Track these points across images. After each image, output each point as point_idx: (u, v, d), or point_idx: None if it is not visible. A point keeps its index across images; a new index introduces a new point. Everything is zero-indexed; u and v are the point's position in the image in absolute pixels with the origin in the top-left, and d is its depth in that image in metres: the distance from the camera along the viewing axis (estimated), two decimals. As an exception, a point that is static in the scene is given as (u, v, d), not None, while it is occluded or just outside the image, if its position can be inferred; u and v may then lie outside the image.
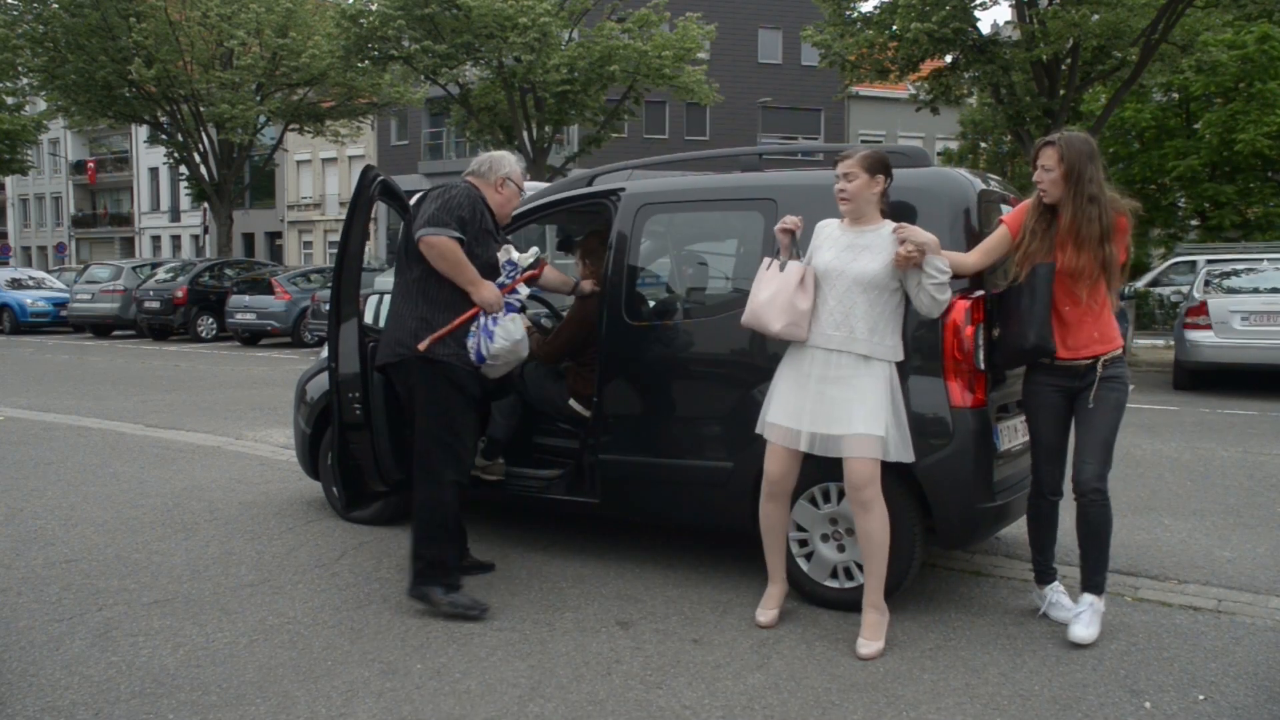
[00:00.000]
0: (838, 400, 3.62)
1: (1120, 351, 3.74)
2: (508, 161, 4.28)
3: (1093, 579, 3.78)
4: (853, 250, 3.70)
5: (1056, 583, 4.01)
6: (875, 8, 18.46)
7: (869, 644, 3.59)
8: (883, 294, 3.68)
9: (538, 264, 4.23)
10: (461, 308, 3.98)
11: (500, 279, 4.08)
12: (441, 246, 3.92)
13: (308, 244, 45.52)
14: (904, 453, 3.67)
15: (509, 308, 4.07)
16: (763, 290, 3.77)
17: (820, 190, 4.21)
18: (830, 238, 3.80)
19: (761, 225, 4.28)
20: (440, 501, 3.99)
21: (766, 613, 3.88)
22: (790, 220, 3.80)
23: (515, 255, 4.11)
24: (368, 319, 4.86)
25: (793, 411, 3.69)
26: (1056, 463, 3.88)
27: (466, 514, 4.18)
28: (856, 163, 3.70)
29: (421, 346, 3.92)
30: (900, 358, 3.73)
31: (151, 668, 3.41)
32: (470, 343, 3.98)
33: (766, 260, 3.85)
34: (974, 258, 3.78)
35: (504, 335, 3.98)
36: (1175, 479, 6.73)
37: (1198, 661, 3.55)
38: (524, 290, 4.21)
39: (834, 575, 4.03)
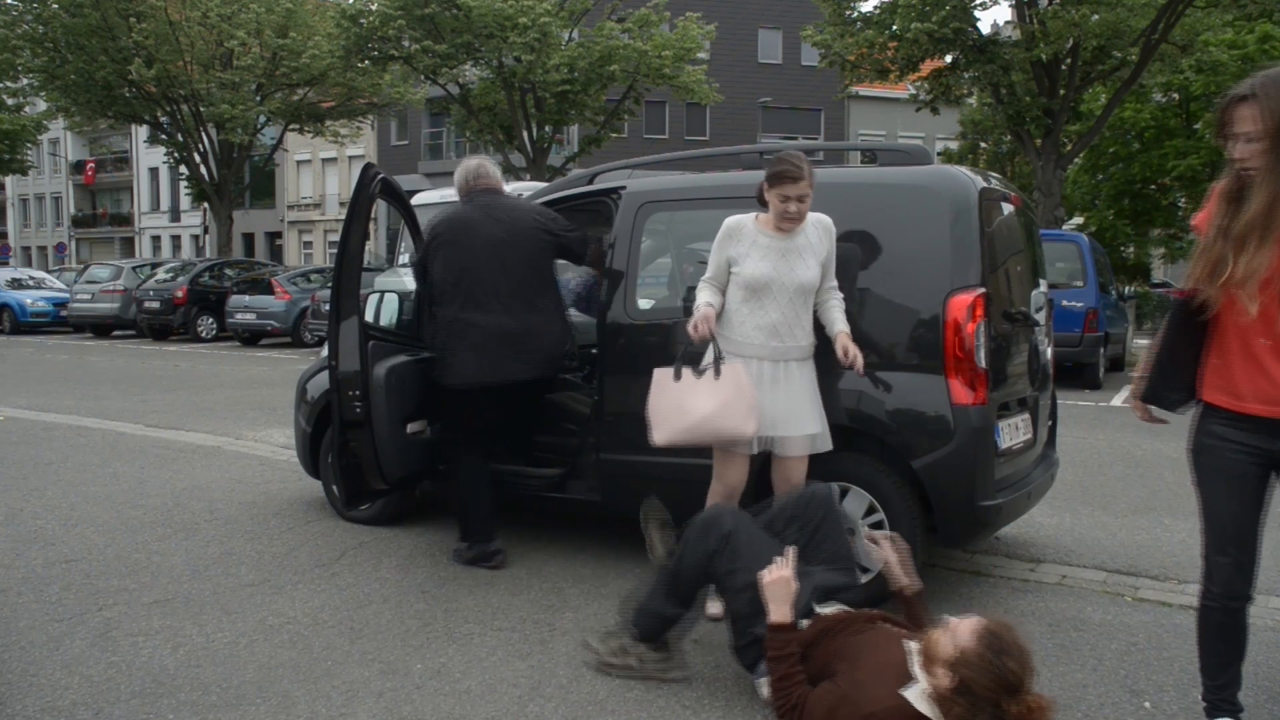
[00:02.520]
0: (784, 404, 3.65)
1: None
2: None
3: None
4: (788, 258, 3.65)
5: None
6: (875, 8, 18.46)
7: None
8: (814, 295, 3.73)
9: None
10: None
11: None
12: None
13: (308, 244, 45.53)
14: (829, 442, 3.74)
15: None
16: (704, 401, 3.53)
17: (821, 189, 4.20)
18: (760, 245, 3.66)
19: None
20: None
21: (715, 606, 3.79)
22: (706, 322, 3.59)
23: None
24: (368, 317, 4.86)
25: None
26: (1240, 550, 2.72)
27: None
28: (812, 180, 3.58)
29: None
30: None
31: (151, 668, 3.41)
32: None
33: (673, 370, 3.64)
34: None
35: None
36: (1175, 479, 6.72)
37: (1198, 661, 3.54)
38: None
39: (834, 575, 4.02)
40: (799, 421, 3.67)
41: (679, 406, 3.60)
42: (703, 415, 3.54)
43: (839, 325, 3.71)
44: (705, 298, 3.70)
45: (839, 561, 3.35)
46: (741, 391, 3.54)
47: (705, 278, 3.78)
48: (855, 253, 4.01)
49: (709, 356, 3.65)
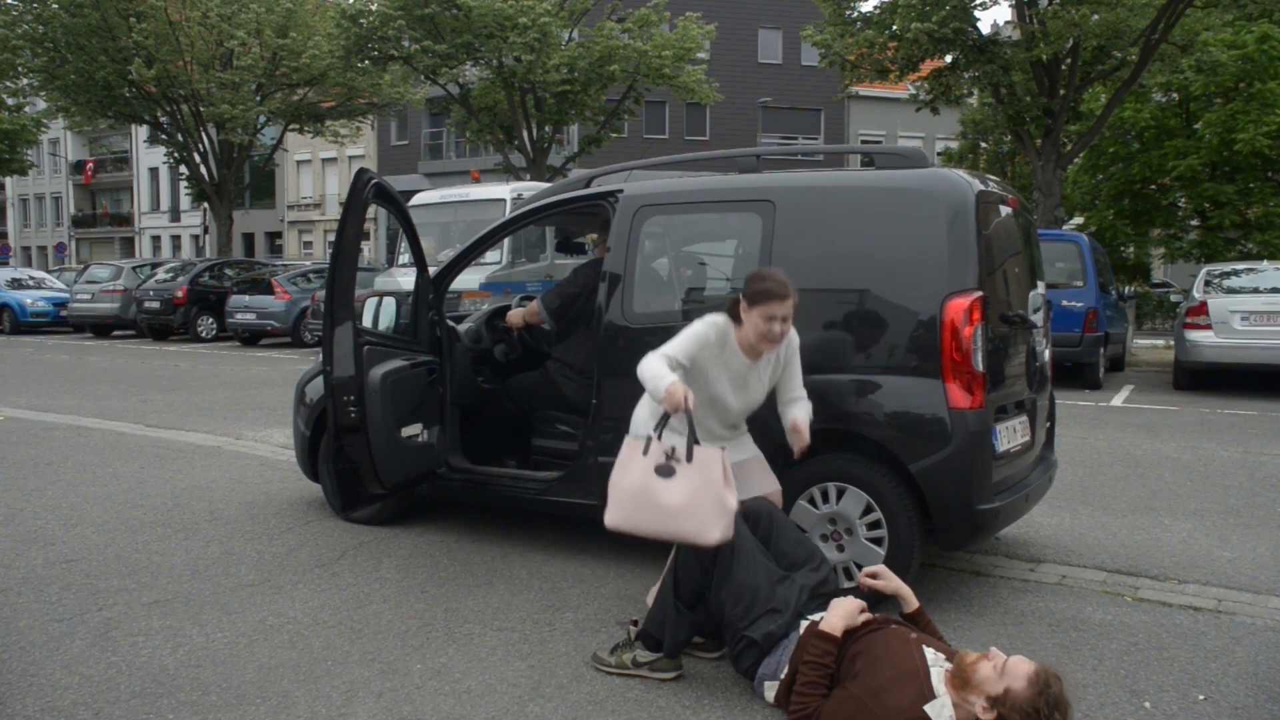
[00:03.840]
0: (734, 446, 3.72)
1: None
2: None
3: None
4: (749, 385, 3.64)
5: None
6: (875, 8, 18.45)
7: None
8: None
9: None
10: None
11: None
12: None
13: (308, 244, 45.53)
14: None
15: None
16: (672, 490, 3.21)
17: (818, 192, 4.21)
18: (732, 369, 3.56)
19: (759, 227, 4.27)
20: None
21: None
22: (687, 404, 3.26)
23: None
24: (365, 321, 4.86)
25: None
26: None
27: (470, 514, 4.17)
28: (794, 299, 3.46)
29: None
30: None
31: (151, 668, 3.41)
32: None
33: (643, 439, 3.35)
34: None
35: None
36: (1175, 479, 6.73)
37: (1198, 661, 3.55)
38: None
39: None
40: (750, 445, 3.79)
41: (643, 490, 3.28)
42: (667, 508, 3.22)
43: (799, 414, 3.67)
44: (669, 374, 3.33)
45: (809, 560, 3.39)
46: (710, 483, 3.18)
47: (669, 353, 3.43)
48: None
49: (676, 437, 3.32)
